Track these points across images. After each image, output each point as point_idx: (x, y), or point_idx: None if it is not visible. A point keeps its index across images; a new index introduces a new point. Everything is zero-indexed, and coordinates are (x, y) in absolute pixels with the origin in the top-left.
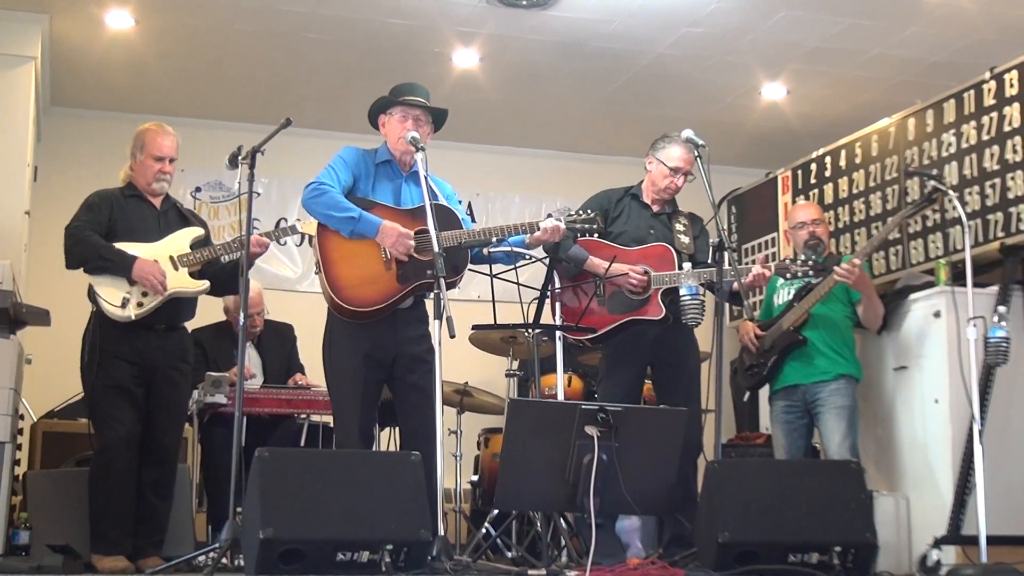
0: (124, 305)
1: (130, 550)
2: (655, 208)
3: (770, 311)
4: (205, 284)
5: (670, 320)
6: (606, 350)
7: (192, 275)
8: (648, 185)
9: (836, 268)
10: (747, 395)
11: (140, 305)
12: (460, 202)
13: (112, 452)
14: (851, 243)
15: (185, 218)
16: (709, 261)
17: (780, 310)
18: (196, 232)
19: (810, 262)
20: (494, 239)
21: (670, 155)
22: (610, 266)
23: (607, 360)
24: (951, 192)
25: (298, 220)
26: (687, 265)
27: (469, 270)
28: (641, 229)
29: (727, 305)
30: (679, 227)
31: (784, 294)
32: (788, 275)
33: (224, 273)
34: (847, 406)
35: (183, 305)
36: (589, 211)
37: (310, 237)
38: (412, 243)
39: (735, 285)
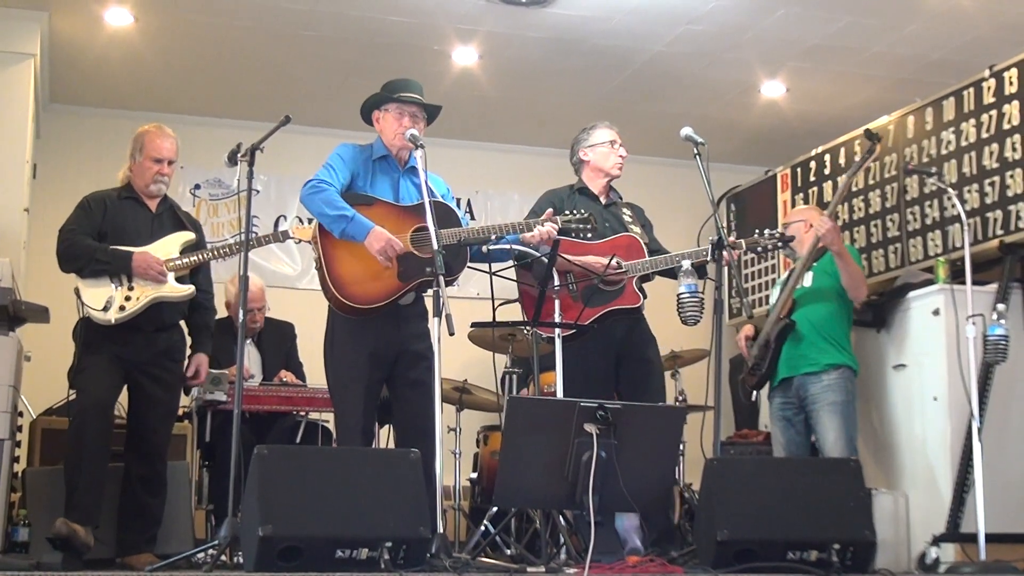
0: (106, 308)
1: (98, 522)
2: (603, 200)
3: None
4: (190, 289)
5: (644, 307)
6: (577, 349)
7: (179, 280)
8: (593, 176)
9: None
10: (754, 395)
11: (122, 309)
12: (456, 199)
13: (83, 417)
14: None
15: (180, 221)
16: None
17: (771, 310)
18: (186, 237)
19: (777, 233)
20: (492, 236)
21: (599, 136)
22: (609, 263)
23: (579, 361)
24: (951, 190)
25: (294, 224)
26: (686, 263)
27: (468, 267)
28: (597, 223)
29: (726, 303)
30: (626, 217)
31: (776, 293)
32: (759, 248)
33: (198, 329)
34: (840, 401)
35: (169, 308)
36: (582, 211)
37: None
38: (397, 252)
39: (695, 261)
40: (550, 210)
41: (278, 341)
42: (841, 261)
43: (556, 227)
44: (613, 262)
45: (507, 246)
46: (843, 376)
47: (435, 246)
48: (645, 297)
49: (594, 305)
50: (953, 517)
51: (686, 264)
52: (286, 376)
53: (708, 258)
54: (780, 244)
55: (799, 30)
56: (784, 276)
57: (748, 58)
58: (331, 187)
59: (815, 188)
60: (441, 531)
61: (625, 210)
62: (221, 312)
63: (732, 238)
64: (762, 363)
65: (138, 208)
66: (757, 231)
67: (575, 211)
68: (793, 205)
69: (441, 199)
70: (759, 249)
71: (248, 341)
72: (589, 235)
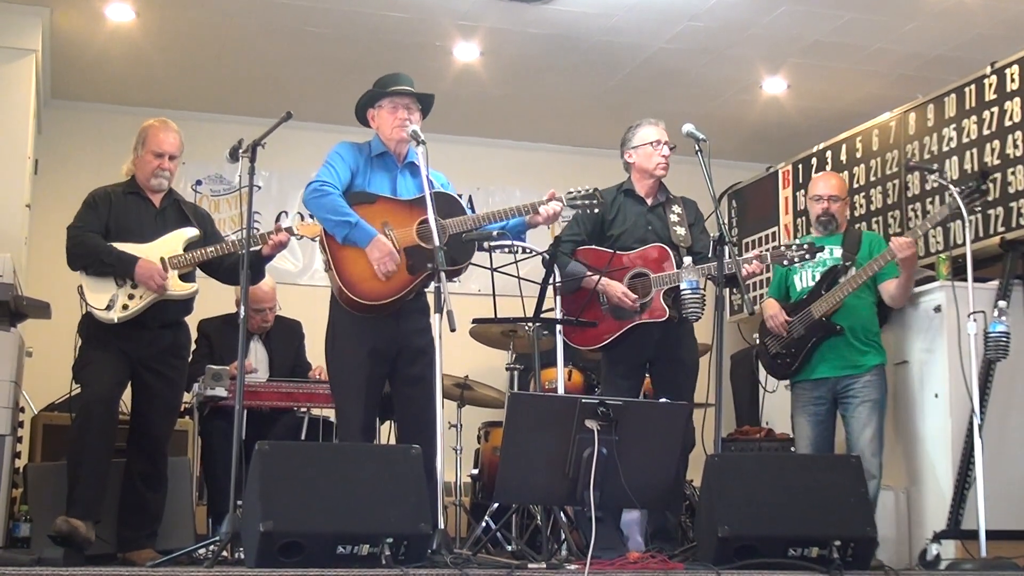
0: (109, 308)
1: (99, 516)
2: (649, 201)
3: (784, 291)
4: (193, 287)
5: (675, 319)
6: (610, 353)
7: (182, 278)
8: (639, 177)
9: (894, 240)
10: (776, 385)
11: (125, 308)
12: (457, 195)
13: (86, 411)
14: None
15: (185, 216)
16: (708, 252)
17: (803, 294)
18: (190, 233)
19: (805, 245)
20: (495, 223)
21: (644, 136)
22: (610, 262)
23: (610, 362)
24: (952, 187)
25: (296, 221)
26: (687, 260)
27: (471, 264)
28: (640, 228)
29: (727, 299)
30: (674, 218)
31: (807, 277)
32: (785, 262)
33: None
34: (880, 399)
35: (174, 305)
36: (588, 187)
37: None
38: (394, 268)
39: (732, 270)
40: (553, 190)
41: (286, 339)
42: (908, 279)
43: (561, 205)
44: (634, 315)
45: (507, 243)
46: (881, 373)
47: (436, 242)
48: (673, 307)
49: (622, 319)
50: (954, 514)
51: (687, 260)
52: (322, 374)
53: (714, 263)
54: (808, 257)
55: (801, 26)
56: (813, 263)
57: (749, 55)
58: (334, 189)
59: None
60: (442, 527)
61: (675, 208)
62: (230, 308)
63: (756, 251)
64: (793, 356)
65: (142, 203)
66: (784, 244)
67: (580, 188)
68: (794, 202)
69: (442, 188)
70: (784, 263)
71: (256, 338)
72: (596, 209)
